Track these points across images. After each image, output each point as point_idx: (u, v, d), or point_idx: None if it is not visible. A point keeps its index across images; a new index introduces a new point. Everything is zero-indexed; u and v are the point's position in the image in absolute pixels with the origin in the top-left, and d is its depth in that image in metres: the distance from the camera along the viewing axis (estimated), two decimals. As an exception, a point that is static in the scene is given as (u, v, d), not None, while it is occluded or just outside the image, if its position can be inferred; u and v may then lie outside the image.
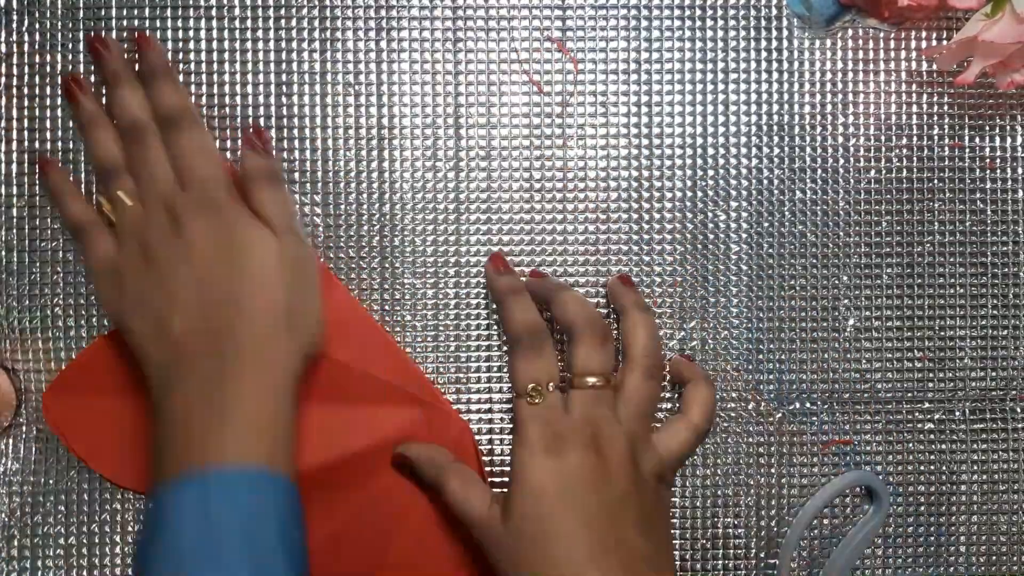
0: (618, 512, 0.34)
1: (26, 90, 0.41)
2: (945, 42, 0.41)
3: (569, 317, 0.37)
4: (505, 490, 0.36)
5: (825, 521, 0.43)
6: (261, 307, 0.35)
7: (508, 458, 0.40)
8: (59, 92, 0.41)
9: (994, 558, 0.43)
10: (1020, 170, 0.43)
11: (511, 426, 0.42)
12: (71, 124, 0.41)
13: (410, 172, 0.42)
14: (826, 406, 0.43)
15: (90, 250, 0.39)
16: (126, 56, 0.41)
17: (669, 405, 0.42)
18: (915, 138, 0.43)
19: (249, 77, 0.42)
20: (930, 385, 0.43)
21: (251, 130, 0.40)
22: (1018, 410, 0.43)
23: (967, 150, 0.43)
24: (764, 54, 0.42)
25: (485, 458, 0.42)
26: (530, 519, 0.34)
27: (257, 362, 0.35)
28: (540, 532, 0.34)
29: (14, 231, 0.41)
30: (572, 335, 0.37)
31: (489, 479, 0.42)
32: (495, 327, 0.42)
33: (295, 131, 0.42)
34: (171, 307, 0.35)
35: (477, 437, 0.42)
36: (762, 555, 0.42)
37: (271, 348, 0.35)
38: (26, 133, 0.41)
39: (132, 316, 0.37)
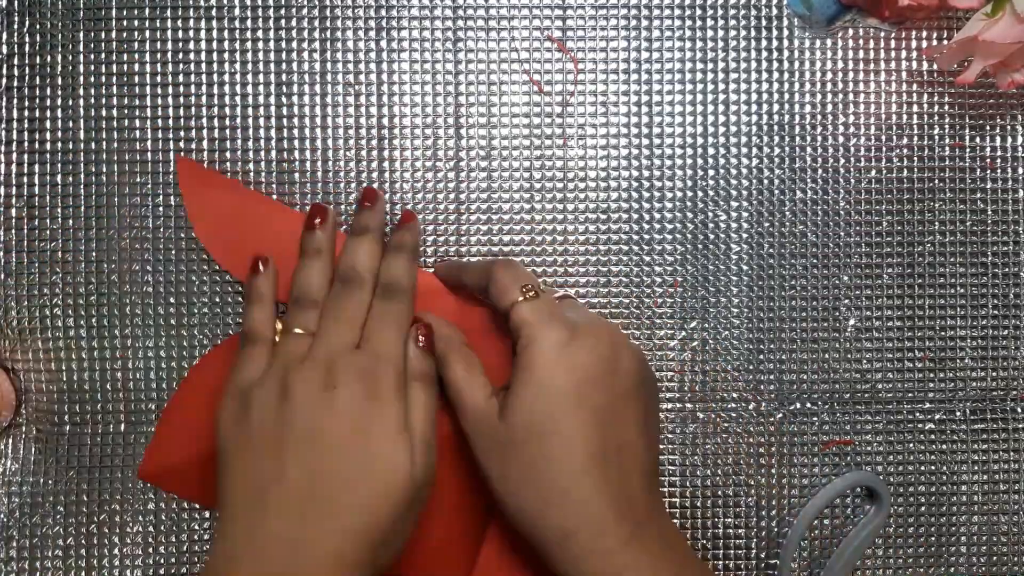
0: (623, 411, 0.33)
1: (26, 90, 0.41)
2: (945, 42, 0.41)
3: (473, 284, 0.38)
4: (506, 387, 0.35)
5: (826, 521, 0.43)
6: (358, 521, 0.32)
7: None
8: (59, 92, 0.41)
9: (995, 558, 0.43)
10: (1020, 170, 0.43)
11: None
12: (70, 124, 0.41)
13: (410, 172, 0.42)
14: (826, 406, 0.42)
15: (243, 363, 0.37)
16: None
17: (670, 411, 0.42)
18: (915, 138, 0.43)
19: (249, 77, 0.42)
20: (931, 385, 0.43)
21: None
22: (1019, 410, 0.43)
23: (967, 150, 0.43)
24: (764, 54, 0.42)
25: None
26: (533, 415, 0.32)
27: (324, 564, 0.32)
28: (539, 430, 0.32)
29: (13, 231, 0.41)
30: (490, 279, 0.36)
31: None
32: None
33: (295, 131, 0.42)
34: (278, 454, 0.33)
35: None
36: (762, 555, 0.42)
37: (344, 562, 0.32)
38: (26, 133, 0.41)
39: (237, 452, 0.34)
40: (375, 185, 0.42)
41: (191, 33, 0.41)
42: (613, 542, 0.32)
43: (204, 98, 0.41)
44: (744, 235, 0.42)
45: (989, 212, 0.43)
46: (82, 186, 0.41)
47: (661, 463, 0.42)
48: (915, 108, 0.43)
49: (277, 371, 0.35)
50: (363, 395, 0.34)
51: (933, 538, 0.43)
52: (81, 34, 0.41)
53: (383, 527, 0.32)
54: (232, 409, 0.35)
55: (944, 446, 0.43)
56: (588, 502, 0.32)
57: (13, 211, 0.41)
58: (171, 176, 0.41)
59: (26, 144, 0.41)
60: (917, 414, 0.43)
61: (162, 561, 0.41)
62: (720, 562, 0.42)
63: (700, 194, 0.42)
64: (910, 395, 0.43)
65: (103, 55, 0.41)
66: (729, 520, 0.42)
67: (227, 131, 0.41)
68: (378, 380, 0.34)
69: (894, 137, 0.43)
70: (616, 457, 0.33)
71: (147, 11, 0.41)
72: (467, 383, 0.35)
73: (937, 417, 0.43)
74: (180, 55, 0.41)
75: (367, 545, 0.32)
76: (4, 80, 0.41)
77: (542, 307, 0.34)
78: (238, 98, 0.41)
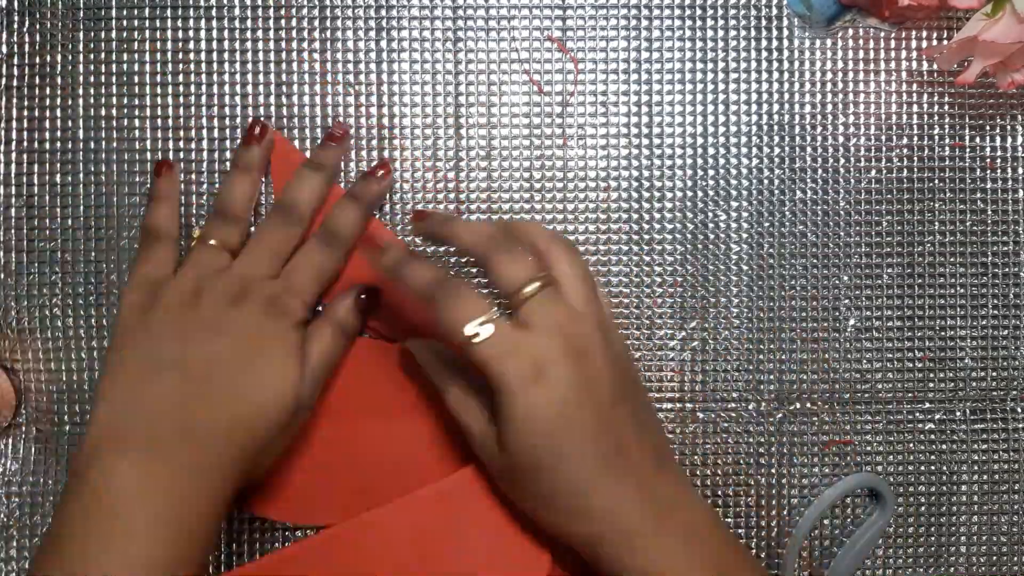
0: (612, 416, 0.32)
1: (26, 90, 0.41)
2: (945, 42, 0.41)
3: (468, 243, 0.34)
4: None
5: (826, 522, 0.43)
6: (247, 415, 0.34)
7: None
8: (59, 92, 0.41)
9: (995, 558, 0.43)
10: (1020, 170, 0.43)
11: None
12: (70, 124, 0.41)
13: (410, 172, 0.42)
14: (826, 406, 0.42)
15: (146, 258, 0.38)
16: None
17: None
18: (915, 138, 0.43)
19: (249, 77, 0.42)
20: (931, 385, 0.43)
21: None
22: (1019, 410, 0.43)
23: (967, 150, 0.43)
24: (764, 54, 0.42)
25: None
26: (528, 449, 0.32)
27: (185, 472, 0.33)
28: (538, 463, 0.32)
29: (13, 231, 0.41)
30: (483, 259, 0.33)
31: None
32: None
33: (295, 131, 0.42)
34: (181, 340, 0.35)
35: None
36: (762, 555, 0.42)
37: (231, 448, 0.34)
38: (26, 133, 0.41)
39: (134, 347, 0.35)
40: (375, 185, 0.42)
41: (191, 33, 0.41)
42: (642, 538, 0.32)
43: (204, 98, 0.41)
44: (744, 235, 0.42)
45: (989, 212, 0.43)
46: (82, 186, 0.41)
47: (661, 463, 0.42)
48: (915, 108, 0.43)
49: (190, 276, 0.37)
50: (265, 315, 0.36)
51: (933, 538, 0.43)
52: (81, 34, 0.41)
53: (268, 429, 0.34)
54: (137, 299, 0.36)
55: (944, 446, 0.43)
56: (607, 508, 0.32)
57: (13, 211, 0.41)
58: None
59: (25, 144, 0.41)
60: (917, 414, 0.43)
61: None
62: (720, 562, 0.42)
63: (700, 194, 0.42)
64: (910, 395, 0.43)
65: (103, 55, 0.41)
66: (729, 520, 0.42)
67: (227, 131, 0.41)
68: (284, 308, 0.36)
69: (894, 137, 0.43)
70: (620, 459, 0.32)
71: (147, 11, 0.41)
72: (463, 408, 0.35)
73: (937, 417, 0.43)
74: (180, 55, 0.41)
75: (251, 442, 0.34)
76: (4, 80, 0.41)
77: (497, 343, 0.32)
78: (238, 98, 0.41)
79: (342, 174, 0.42)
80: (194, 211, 0.41)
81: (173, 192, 0.40)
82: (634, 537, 0.32)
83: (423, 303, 0.33)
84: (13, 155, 0.41)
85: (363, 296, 0.39)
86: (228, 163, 0.41)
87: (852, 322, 0.43)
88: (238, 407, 0.34)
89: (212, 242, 0.38)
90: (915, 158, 0.43)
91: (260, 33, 0.42)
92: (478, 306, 0.32)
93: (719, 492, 0.42)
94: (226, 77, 0.41)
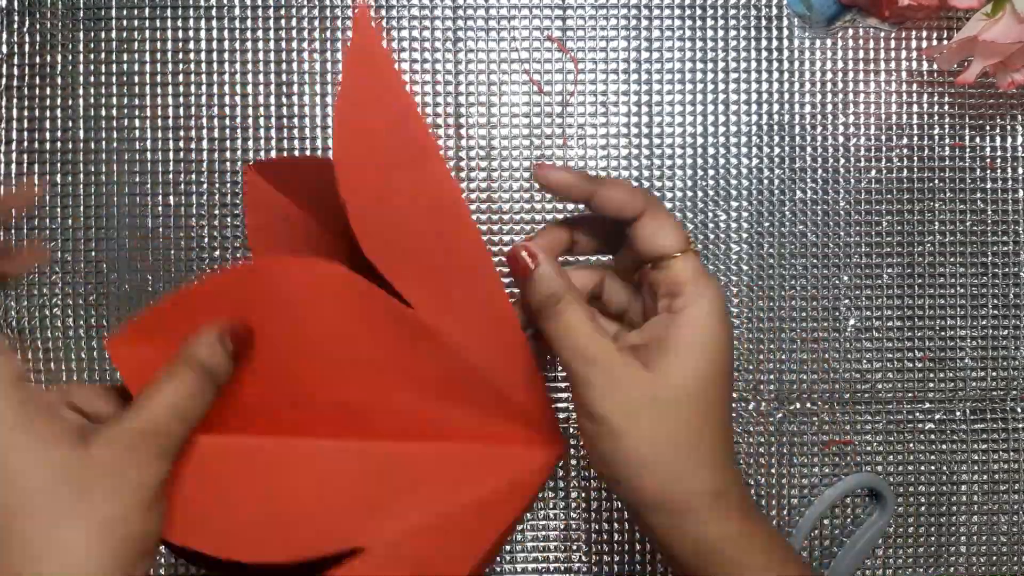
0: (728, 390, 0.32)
1: (26, 90, 0.41)
2: (945, 42, 0.41)
3: (618, 203, 0.31)
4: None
5: (826, 522, 0.43)
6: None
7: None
8: (59, 92, 0.41)
9: (995, 558, 0.43)
10: (1020, 170, 0.43)
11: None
12: (70, 124, 0.41)
13: (410, 172, 0.42)
14: (826, 406, 0.42)
15: None
16: None
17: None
18: (915, 138, 0.43)
19: (249, 77, 0.42)
20: (931, 385, 0.43)
21: None
22: (1019, 410, 0.43)
23: (967, 150, 0.43)
24: (764, 54, 0.42)
25: None
26: (697, 377, 0.30)
27: None
28: (699, 395, 0.30)
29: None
30: (635, 217, 0.31)
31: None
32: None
33: (295, 131, 0.42)
34: None
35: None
36: (762, 555, 0.42)
37: None
38: (26, 133, 0.41)
39: None
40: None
41: (191, 33, 0.41)
42: (728, 511, 0.31)
43: (204, 98, 0.41)
44: (744, 235, 0.42)
45: (989, 212, 0.43)
46: (82, 186, 0.41)
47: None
48: (915, 108, 0.43)
49: None
50: None
51: (933, 538, 0.43)
52: (81, 34, 0.41)
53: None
54: None
55: (944, 446, 0.43)
56: (732, 464, 0.31)
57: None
58: (171, 176, 0.41)
59: (26, 144, 0.41)
60: (917, 414, 0.43)
61: (161, 560, 0.41)
62: (720, 562, 0.42)
63: (700, 194, 0.42)
64: (910, 395, 0.43)
65: (103, 55, 0.41)
66: (729, 520, 0.42)
67: (227, 131, 0.41)
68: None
69: (894, 137, 0.43)
70: (725, 431, 0.31)
71: (147, 11, 0.41)
72: (594, 329, 0.30)
73: (937, 417, 0.43)
74: (180, 55, 0.41)
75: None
76: (4, 80, 0.41)
77: (698, 264, 0.31)
78: (238, 98, 0.41)
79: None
80: (194, 211, 0.41)
81: None
82: (747, 505, 0.31)
83: (621, 216, 0.31)
84: (13, 155, 0.41)
85: (231, 334, 0.31)
86: (228, 163, 0.41)
87: (852, 322, 0.43)
88: None
89: None
90: (915, 158, 0.43)
91: (260, 33, 0.42)
92: (679, 235, 0.31)
93: (719, 492, 0.42)
94: (226, 77, 0.41)
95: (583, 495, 0.42)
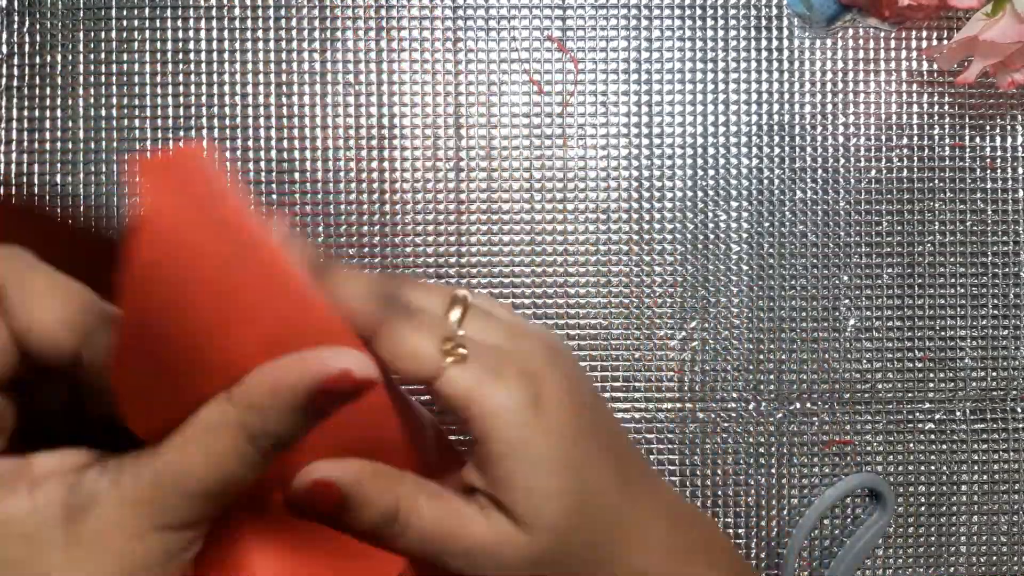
0: (604, 419, 0.28)
1: (26, 90, 0.41)
2: (946, 42, 0.41)
3: (356, 309, 0.24)
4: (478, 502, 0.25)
5: (826, 522, 0.43)
6: None
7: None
8: (59, 92, 0.41)
9: (995, 559, 0.43)
10: (1021, 170, 0.43)
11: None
12: (70, 124, 0.41)
13: (410, 172, 0.42)
14: (826, 406, 0.42)
15: None
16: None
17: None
18: (915, 138, 0.43)
19: (249, 77, 0.42)
20: (931, 385, 0.43)
21: None
22: (1019, 410, 0.43)
23: (968, 150, 0.43)
24: (764, 54, 0.42)
25: None
26: (559, 501, 0.25)
27: None
28: (569, 505, 0.25)
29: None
30: (376, 337, 0.24)
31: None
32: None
33: (295, 131, 0.42)
34: None
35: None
36: (762, 555, 0.42)
37: None
38: (26, 133, 0.41)
39: None
40: (375, 185, 0.42)
41: (191, 33, 0.41)
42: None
43: (204, 98, 0.41)
44: (744, 235, 0.42)
45: (989, 212, 0.43)
46: (82, 186, 0.41)
47: (661, 463, 0.42)
48: (915, 108, 0.43)
49: None
50: None
51: (933, 538, 0.43)
52: (81, 34, 0.41)
53: None
54: None
55: (944, 446, 0.43)
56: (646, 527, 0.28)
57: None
58: (171, 176, 0.41)
59: (26, 144, 0.41)
60: (917, 414, 0.43)
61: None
62: (720, 562, 0.42)
63: (700, 194, 0.42)
64: (910, 395, 0.43)
65: (103, 55, 0.41)
66: (729, 520, 0.42)
67: (227, 131, 0.41)
68: None
69: (894, 137, 0.43)
70: (631, 467, 0.28)
71: (147, 11, 0.41)
72: (449, 515, 0.24)
73: (937, 417, 0.43)
74: (180, 55, 0.41)
75: None
76: (4, 80, 0.41)
77: (478, 367, 0.24)
78: (238, 98, 0.41)
79: (335, 172, 0.42)
80: (194, 211, 0.41)
81: None
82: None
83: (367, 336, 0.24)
84: (13, 155, 0.41)
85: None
86: (228, 163, 0.41)
87: (852, 322, 0.43)
88: None
89: None
90: (915, 158, 0.43)
91: (260, 33, 0.42)
92: (444, 327, 0.24)
93: (719, 492, 0.42)
94: (226, 77, 0.42)
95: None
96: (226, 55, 0.41)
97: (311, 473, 0.23)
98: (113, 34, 0.41)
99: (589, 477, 0.25)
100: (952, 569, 0.43)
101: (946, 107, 0.43)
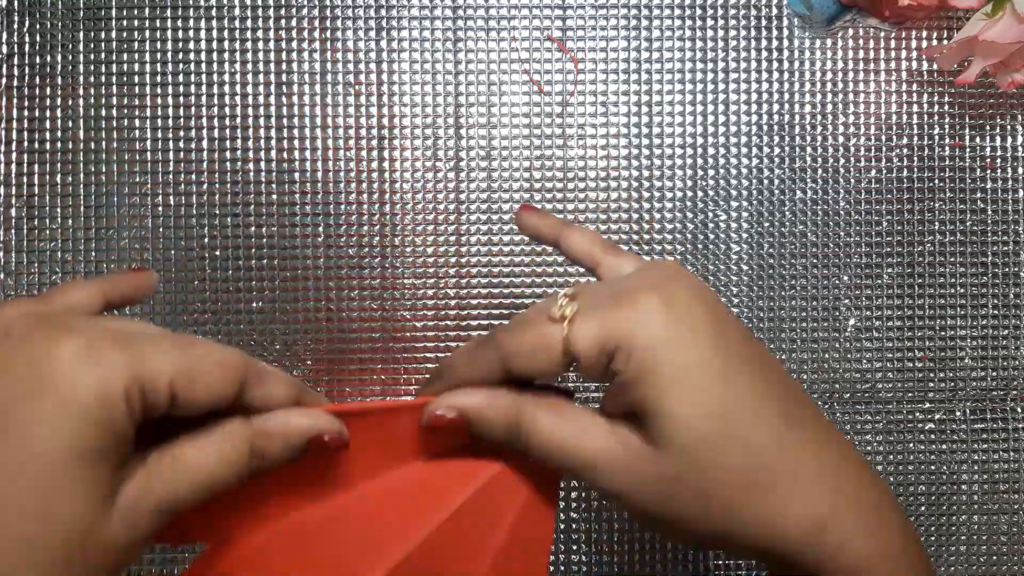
0: (755, 349, 0.26)
1: (26, 90, 0.41)
2: (946, 42, 0.41)
3: (577, 250, 0.30)
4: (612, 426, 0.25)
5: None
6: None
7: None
8: (59, 92, 0.41)
9: (995, 558, 0.43)
10: (1020, 170, 0.43)
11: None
12: (70, 124, 0.41)
13: (410, 172, 0.42)
14: (826, 406, 0.42)
15: None
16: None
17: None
18: (916, 138, 0.43)
19: (249, 77, 0.42)
20: (931, 385, 0.43)
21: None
22: (1019, 410, 0.43)
23: (968, 150, 0.43)
24: (764, 54, 0.42)
25: None
26: (703, 415, 0.24)
27: None
28: (721, 428, 0.24)
29: (13, 231, 0.41)
30: (592, 263, 0.29)
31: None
32: (496, 327, 0.42)
33: (295, 131, 0.42)
34: None
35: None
36: (762, 555, 0.42)
37: None
38: (26, 133, 0.41)
39: None
40: (375, 185, 0.42)
41: (191, 33, 0.41)
42: (875, 511, 0.25)
43: (204, 98, 0.41)
44: (744, 235, 0.42)
45: (989, 212, 0.43)
46: (82, 186, 0.41)
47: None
48: (915, 108, 0.43)
49: None
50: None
51: (933, 538, 0.43)
52: (81, 34, 0.41)
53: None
54: None
55: (944, 446, 0.43)
56: (824, 471, 0.25)
57: (13, 211, 0.41)
58: (171, 176, 0.41)
59: (26, 144, 0.41)
60: (917, 414, 0.43)
61: (156, 560, 0.41)
62: (721, 561, 0.42)
63: (700, 194, 0.42)
64: (910, 395, 0.43)
65: (103, 55, 0.41)
66: (729, 520, 0.42)
67: (227, 131, 0.41)
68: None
69: (894, 137, 0.43)
70: (792, 403, 0.25)
71: (147, 11, 0.41)
72: (578, 431, 0.25)
73: (937, 417, 0.43)
74: (180, 55, 0.41)
75: None
76: (4, 80, 0.41)
77: (592, 311, 0.25)
78: (238, 98, 0.41)
79: (335, 172, 0.42)
80: (194, 211, 0.41)
81: None
82: (866, 510, 0.25)
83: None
84: (13, 155, 0.41)
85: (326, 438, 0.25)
86: (228, 163, 0.41)
87: (852, 322, 0.43)
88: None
89: None
90: (915, 158, 0.43)
91: (260, 33, 0.42)
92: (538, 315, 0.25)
93: (719, 492, 0.42)
94: (226, 77, 0.42)
95: (583, 495, 0.42)
96: (226, 55, 0.41)
97: (438, 406, 0.26)
98: (113, 34, 0.41)
99: (738, 396, 0.24)
100: (952, 569, 0.43)
101: (946, 107, 0.43)
